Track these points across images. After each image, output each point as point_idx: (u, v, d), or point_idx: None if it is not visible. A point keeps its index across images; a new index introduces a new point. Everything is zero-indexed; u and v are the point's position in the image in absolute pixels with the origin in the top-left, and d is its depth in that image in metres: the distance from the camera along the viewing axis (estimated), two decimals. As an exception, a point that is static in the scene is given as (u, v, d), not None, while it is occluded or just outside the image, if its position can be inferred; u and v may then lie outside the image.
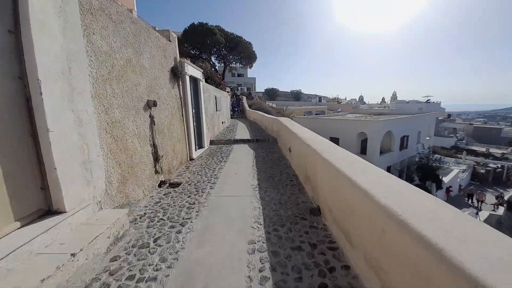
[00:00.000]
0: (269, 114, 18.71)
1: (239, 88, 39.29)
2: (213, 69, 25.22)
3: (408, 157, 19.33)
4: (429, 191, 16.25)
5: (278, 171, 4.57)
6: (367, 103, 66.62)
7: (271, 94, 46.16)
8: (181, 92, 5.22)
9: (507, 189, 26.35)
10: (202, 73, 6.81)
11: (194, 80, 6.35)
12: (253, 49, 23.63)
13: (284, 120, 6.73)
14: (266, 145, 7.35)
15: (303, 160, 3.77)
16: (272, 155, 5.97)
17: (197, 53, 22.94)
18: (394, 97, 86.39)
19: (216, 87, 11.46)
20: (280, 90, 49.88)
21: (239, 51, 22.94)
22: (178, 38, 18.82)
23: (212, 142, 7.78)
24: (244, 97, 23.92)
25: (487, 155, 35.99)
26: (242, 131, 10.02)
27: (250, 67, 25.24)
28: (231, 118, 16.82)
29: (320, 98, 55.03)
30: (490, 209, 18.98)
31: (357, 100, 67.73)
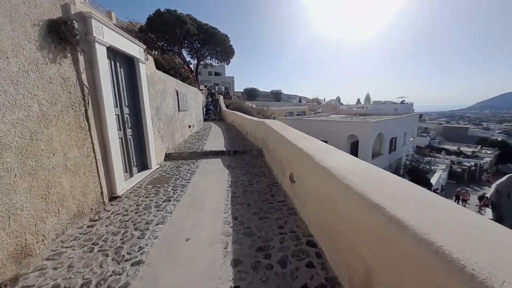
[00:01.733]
0: (249, 114, 16.48)
1: (216, 87, 36.51)
2: (187, 66, 22.50)
3: (395, 160, 18.32)
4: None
5: (275, 225, 2.31)
6: (343, 104, 67.54)
7: (251, 94, 43.87)
8: (83, 75, 2.72)
9: (483, 187, 27.09)
10: (145, 50, 4.30)
11: (126, 60, 3.84)
12: (230, 43, 21.17)
13: (275, 125, 4.48)
14: (247, 160, 5.05)
15: (346, 229, 1.52)
16: (259, 181, 3.69)
17: (165, 45, 19.90)
18: (367, 98, 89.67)
19: (182, 81, 8.93)
20: (260, 90, 47.85)
21: (215, 44, 20.29)
22: (141, 27, 15.62)
23: (168, 157, 5.29)
24: (221, 96, 21.40)
25: (458, 153, 37.45)
26: (216, 138, 7.61)
27: (228, 63, 22.68)
28: (206, 121, 14.24)
29: (300, 98, 54.04)
30: (475, 210, 18.63)
31: (337, 101, 68.55)
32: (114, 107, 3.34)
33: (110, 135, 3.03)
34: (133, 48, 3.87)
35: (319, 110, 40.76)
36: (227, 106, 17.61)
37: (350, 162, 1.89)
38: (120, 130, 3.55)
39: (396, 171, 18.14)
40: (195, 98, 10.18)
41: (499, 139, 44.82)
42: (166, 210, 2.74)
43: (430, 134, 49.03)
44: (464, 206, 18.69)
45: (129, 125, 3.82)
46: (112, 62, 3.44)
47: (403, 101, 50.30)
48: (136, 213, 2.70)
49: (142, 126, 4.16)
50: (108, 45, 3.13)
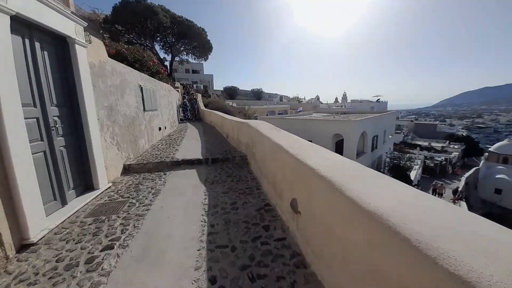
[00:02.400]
0: (229, 114, 15.51)
1: (195, 85, 34.77)
2: (158, 60, 20.86)
3: (377, 158, 18.47)
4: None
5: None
6: (322, 102, 68.95)
7: (231, 92, 42.58)
8: None
9: (453, 180, 28.80)
10: (86, 29, 3.17)
11: (53, 39, 2.72)
12: (208, 38, 19.89)
13: (264, 128, 3.60)
14: (229, 171, 4.13)
15: None
16: (246, 202, 2.80)
17: (135, 38, 18.10)
18: (344, 97, 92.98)
19: (151, 76, 7.73)
20: (240, 88, 46.70)
21: (190, 38, 18.88)
22: (106, 18, 13.94)
23: (128, 170, 4.18)
24: (199, 95, 20.05)
25: (429, 148, 39.69)
26: (191, 143, 6.55)
27: (205, 60, 21.34)
28: (182, 122, 12.88)
29: (281, 97, 53.90)
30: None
31: (316, 99, 69.77)
32: (27, 106, 2.23)
33: (13, 149, 1.94)
34: (66, 24, 2.75)
35: (300, 108, 40.81)
36: (205, 105, 16.43)
37: (418, 198, 1.07)
38: (42, 139, 2.44)
39: (377, 169, 18.31)
40: (168, 96, 8.97)
41: (464, 134, 48.41)
42: (102, 269, 1.73)
43: (403, 130, 51.60)
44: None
45: (60, 132, 2.70)
46: (27, 40, 2.32)
47: (378, 99, 52.37)
48: (50, 278, 1.66)
49: (83, 132, 3.05)
50: (15, 13, 2.02)
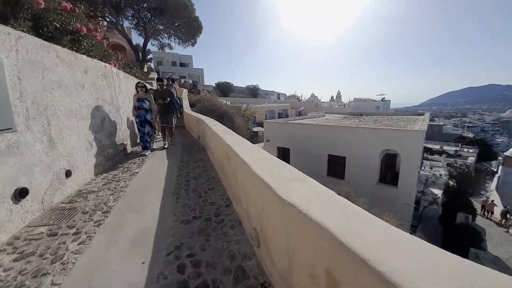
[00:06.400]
0: (228, 118, 10.80)
1: (182, 80, 29.50)
2: (130, 47, 15.95)
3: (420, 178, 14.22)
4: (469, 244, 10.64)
5: None
6: (323, 101, 65.01)
7: (224, 89, 37.39)
8: None
9: (481, 192, 25.36)
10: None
11: None
12: (196, 15, 14.91)
13: None
14: None
15: None
16: None
17: (96, 10, 12.90)
18: (338, 96, 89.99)
19: (64, 45, 2.97)
20: (234, 85, 41.54)
21: (172, 15, 13.86)
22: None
23: None
24: (185, 90, 15.00)
25: (441, 153, 36.33)
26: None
27: (193, 44, 16.14)
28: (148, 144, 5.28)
29: (278, 95, 49.21)
30: (504, 230, 15.28)
31: (312, 97, 65.72)
32: None
33: None
34: None
35: (301, 108, 36.44)
36: (192, 105, 11.55)
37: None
38: None
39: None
40: (98, 88, 4.08)
41: (473, 136, 45.65)
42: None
43: (409, 132, 48.38)
44: (490, 219, 15.58)
45: None
46: None
47: (383, 98, 48.80)
48: None
49: None
50: None
